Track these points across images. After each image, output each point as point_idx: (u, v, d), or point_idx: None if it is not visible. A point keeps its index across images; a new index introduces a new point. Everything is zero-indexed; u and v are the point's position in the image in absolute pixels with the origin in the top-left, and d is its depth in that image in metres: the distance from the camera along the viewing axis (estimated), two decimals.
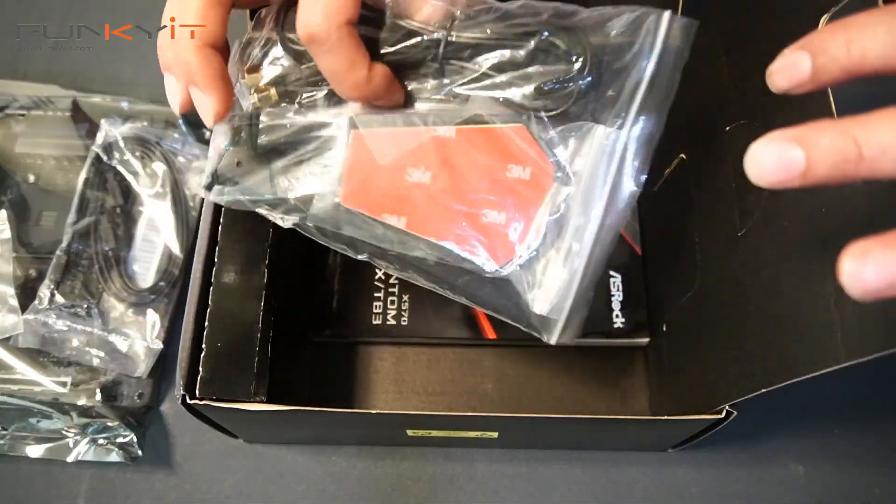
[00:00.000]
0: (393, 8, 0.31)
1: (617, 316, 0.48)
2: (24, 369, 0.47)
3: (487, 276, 0.31)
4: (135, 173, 0.51)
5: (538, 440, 0.46)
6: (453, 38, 0.30)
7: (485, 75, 0.30)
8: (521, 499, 0.46)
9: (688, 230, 0.41)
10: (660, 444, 0.46)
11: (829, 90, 0.26)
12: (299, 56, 0.33)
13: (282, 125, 0.33)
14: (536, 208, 0.30)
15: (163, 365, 0.48)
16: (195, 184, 0.51)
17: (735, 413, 0.34)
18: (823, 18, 0.28)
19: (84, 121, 0.53)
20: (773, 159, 0.20)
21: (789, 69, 0.21)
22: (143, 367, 0.47)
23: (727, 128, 0.36)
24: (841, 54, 0.20)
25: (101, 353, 0.47)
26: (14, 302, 0.48)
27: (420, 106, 0.32)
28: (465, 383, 0.49)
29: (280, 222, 0.34)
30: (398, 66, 0.31)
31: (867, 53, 0.20)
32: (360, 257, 0.34)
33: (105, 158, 0.51)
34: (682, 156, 0.43)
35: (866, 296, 0.19)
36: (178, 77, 0.31)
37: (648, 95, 0.29)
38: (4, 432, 0.46)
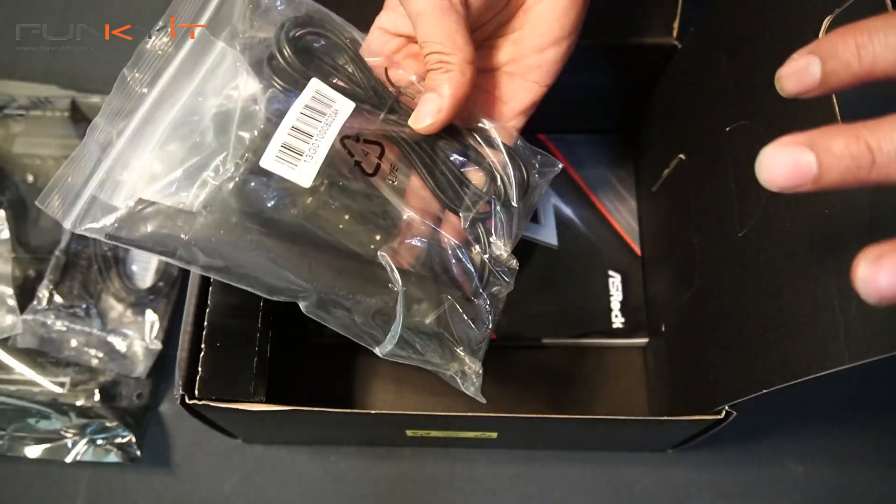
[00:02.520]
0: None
1: (616, 316, 0.48)
2: (22, 370, 0.47)
3: None
4: None
5: (537, 440, 0.46)
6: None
7: None
8: (520, 499, 0.46)
9: (687, 230, 0.41)
10: (659, 444, 0.46)
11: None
12: None
13: None
14: None
15: (162, 365, 0.48)
16: None
17: (735, 413, 0.34)
18: (826, 20, 0.28)
19: (83, 121, 0.53)
20: (784, 164, 0.20)
21: (799, 74, 0.21)
22: (141, 368, 0.47)
23: (727, 128, 0.36)
24: (851, 59, 0.20)
25: (100, 354, 0.47)
26: (13, 302, 0.48)
27: None
28: None
29: None
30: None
31: (878, 59, 0.20)
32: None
33: None
34: (682, 156, 0.43)
35: (881, 301, 0.19)
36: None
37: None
38: (3, 433, 0.46)
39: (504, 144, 0.35)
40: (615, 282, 0.49)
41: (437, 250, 0.34)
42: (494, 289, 0.34)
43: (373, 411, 0.38)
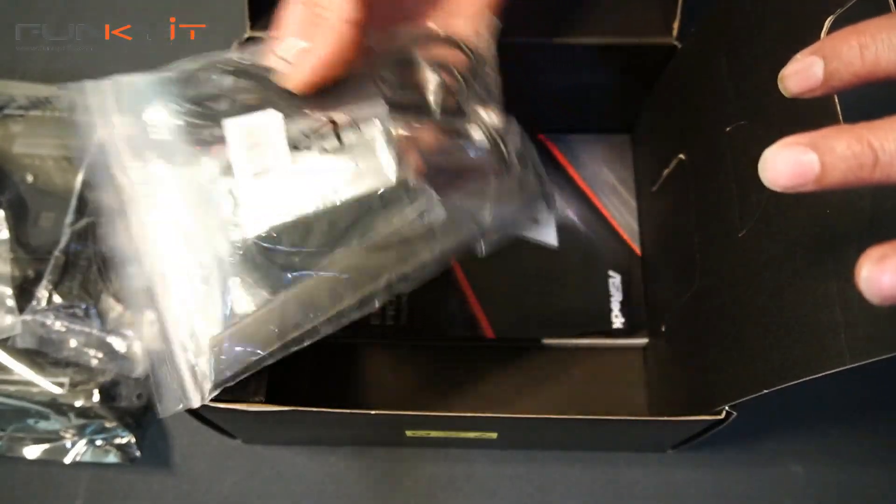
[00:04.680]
0: None
1: (616, 316, 0.48)
2: (21, 370, 0.47)
3: None
4: None
5: (537, 441, 0.46)
6: None
7: None
8: (520, 499, 0.45)
9: (687, 230, 0.41)
10: (659, 444, 0.46)
11: None
12: None
13: None
14: None
15: None
16: None
17: (735, 414, 0.34)
18: (828, 20, 0.28)
19: None
20: (787, 164, 0.21)
21: (802, 74, 0.22)
22: (141, 368, 0.47)
23: (727, 128, 0.36)
24: (854, 60, 0.21)
25: (100, 354, 0.47)
26: (12, 303, 0.47)
27: None
28: (465, 383, 0.48)
29: None
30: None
31: (881, 59, 0.20)
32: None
33: None
34: (681, 156, 0.43)
35: (885, 301, 0.19)
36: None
37: None
38: (2, 433, 0.46)
39: (440, 35, 0.35)
40: (615, 282, 0.49)
41: (443, 156, 0.34)
42: (509, 140, 0.35)
43: (373, 411, 0.38)
